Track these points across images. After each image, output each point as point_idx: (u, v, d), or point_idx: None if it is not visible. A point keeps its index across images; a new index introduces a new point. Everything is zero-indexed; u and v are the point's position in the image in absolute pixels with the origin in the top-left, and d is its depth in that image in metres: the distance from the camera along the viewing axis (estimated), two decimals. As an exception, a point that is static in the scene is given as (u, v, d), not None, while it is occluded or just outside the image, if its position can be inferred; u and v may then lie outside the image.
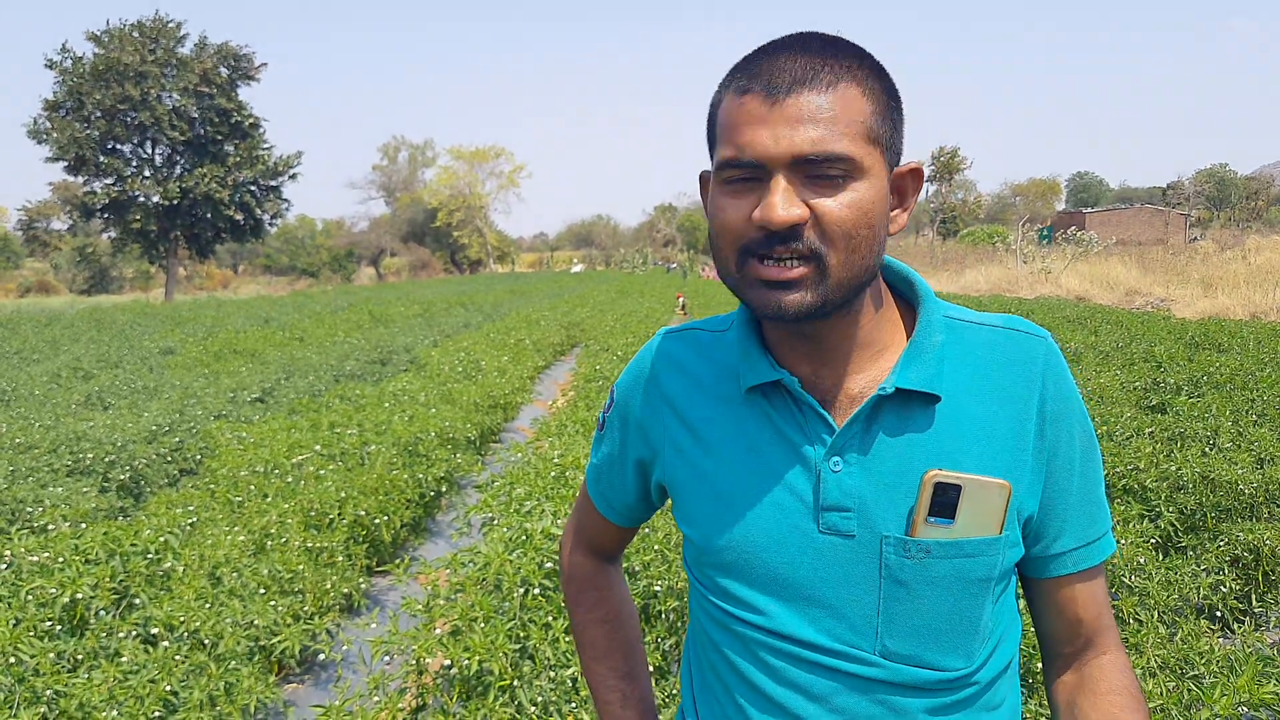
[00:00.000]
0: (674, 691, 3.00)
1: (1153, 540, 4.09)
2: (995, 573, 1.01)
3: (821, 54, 0.93)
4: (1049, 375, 1.03)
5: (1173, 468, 4.73)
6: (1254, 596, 3.97)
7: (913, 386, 0.99)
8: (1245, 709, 2.36)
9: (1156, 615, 3.24)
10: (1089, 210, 55.84)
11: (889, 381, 1.00)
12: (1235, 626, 3.47)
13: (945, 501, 0.97)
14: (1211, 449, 5.32)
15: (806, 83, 0.91)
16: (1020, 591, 1.39)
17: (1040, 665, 2.66)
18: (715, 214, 0.98)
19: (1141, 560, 3.53)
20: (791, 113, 0.90)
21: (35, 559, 3.56)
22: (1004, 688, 1.09)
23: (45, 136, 37.77)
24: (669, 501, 1.23)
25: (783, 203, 0.91)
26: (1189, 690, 2.50)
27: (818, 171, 0.91)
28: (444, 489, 6.19)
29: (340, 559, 4.50)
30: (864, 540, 1.00)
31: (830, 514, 1.01)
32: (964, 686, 1.03)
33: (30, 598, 3.31)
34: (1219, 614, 3.72)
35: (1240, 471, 4.60)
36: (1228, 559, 4.06)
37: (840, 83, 0.92)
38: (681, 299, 22.74)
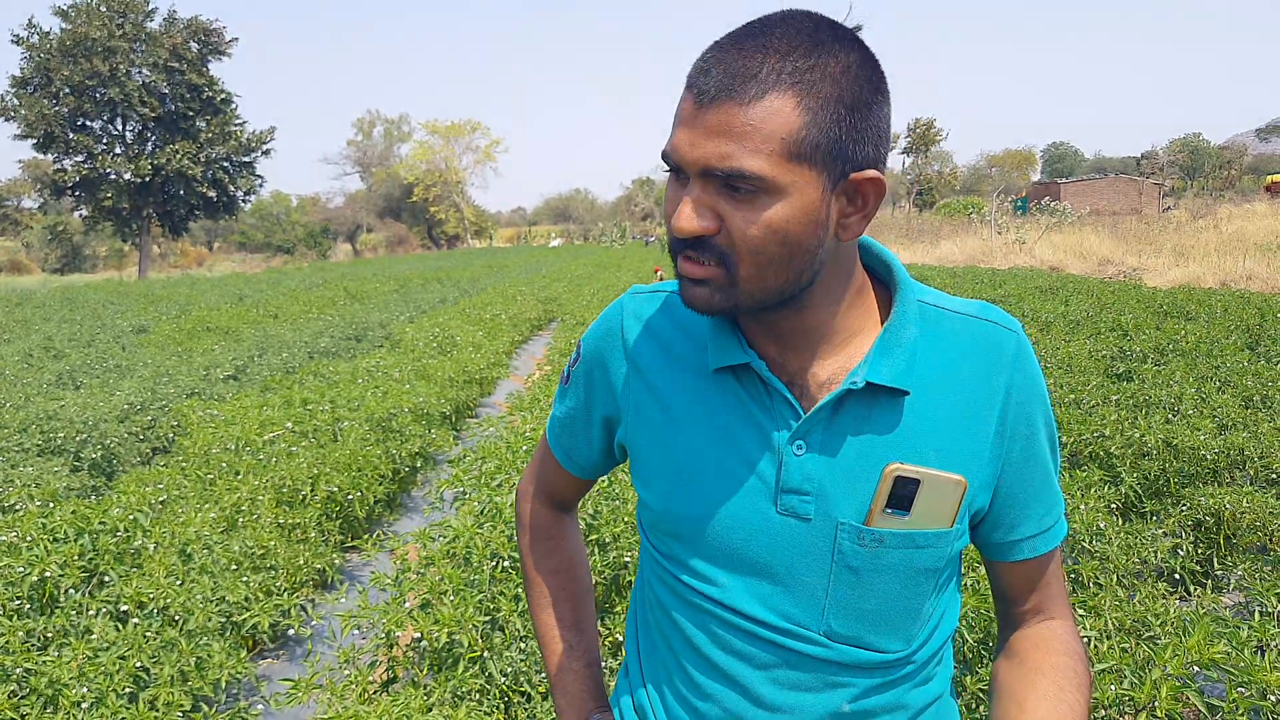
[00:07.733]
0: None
1: (1115, 506, 4.15)
2: (942, 563, 1.04)
3: (768, 53, 0.88)
4: (1016, 369, 1.03)
5: (1137, 434, 4.80)
6: (1215, 560, 4.05)
7: (883, 381, 0.99)
8: (1196, 668, 2.41)
9: (1116, 579, 3.30)
10: (1064, 181, 55.98)
11: (860, 375, 1.00)
12: (1194, 589, 3.54)
13: (903, 494, 0.99)
14: (1175, 415, 5.40)
15: (731, 93, 0.88)
16: (963, 571, 1.43)
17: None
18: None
19: (1102, 525, 3.59)
20: (711, 122, 0.89)
21: (3, 538, 3.55)
22: (937, 662, 1.13)
23: (13, 113, 37.25)
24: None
25: (688, 212, 0.93)
26: (1143, 651, 2.55)
27: (729, 184, 0.91)
28: (419, 464, 6.20)
29: (313, 535, 4.51)
30: (820, 525, 1.02)
31: (789, 496, 1.02)
32: (902, 666, 1.07)
33: (-2, 577, 3.30)
34: (1178, 577, 3.79)
35: (1202, 437, 4.68)
36: (1190, 523, 4.13)
37: (769, 94, 0.87)
38: (659, 272, 22.69)
